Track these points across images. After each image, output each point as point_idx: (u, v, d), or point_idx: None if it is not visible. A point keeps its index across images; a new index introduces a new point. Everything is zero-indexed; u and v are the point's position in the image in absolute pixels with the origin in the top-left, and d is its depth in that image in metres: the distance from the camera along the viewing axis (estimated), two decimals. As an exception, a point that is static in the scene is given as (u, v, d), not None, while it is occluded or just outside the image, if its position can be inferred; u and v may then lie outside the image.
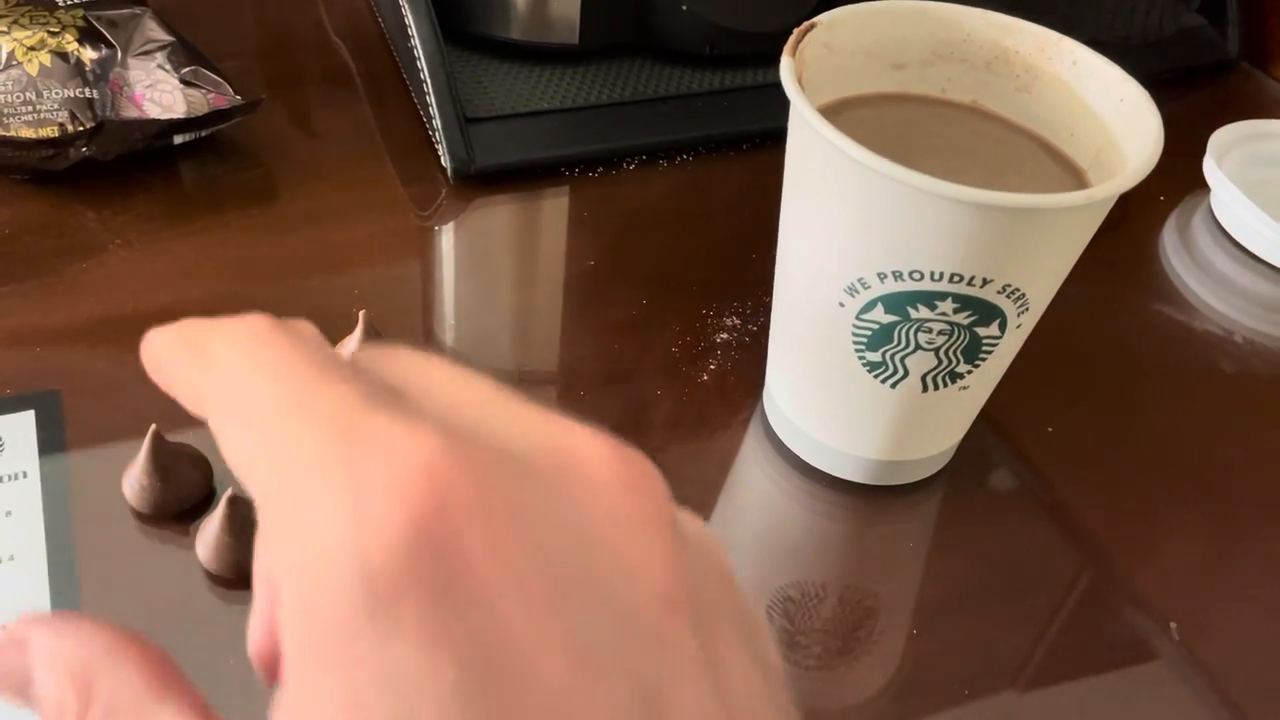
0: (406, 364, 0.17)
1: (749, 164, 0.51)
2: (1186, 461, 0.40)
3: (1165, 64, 0.58)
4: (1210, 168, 0.50)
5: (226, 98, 0.45)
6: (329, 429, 0.14)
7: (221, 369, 0.16)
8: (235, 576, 0.32)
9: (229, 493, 0.32)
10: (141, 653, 0.18)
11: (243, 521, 0.32)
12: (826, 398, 0.35)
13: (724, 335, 0.42)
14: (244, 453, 0.15)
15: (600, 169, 0.49)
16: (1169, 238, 0.50)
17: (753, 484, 0.38)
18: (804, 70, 0.32)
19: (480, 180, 0.47)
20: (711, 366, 0.41)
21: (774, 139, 0.52)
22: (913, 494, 0.37)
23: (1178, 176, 0.52)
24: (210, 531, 0.32)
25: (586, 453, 0.16)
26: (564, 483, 0.15)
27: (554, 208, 0.48)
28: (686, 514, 0.17)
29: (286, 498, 0.15)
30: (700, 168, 0.50)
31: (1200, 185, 0.51)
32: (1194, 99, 0.58)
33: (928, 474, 0.37)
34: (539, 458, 0.16)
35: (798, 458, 0.37)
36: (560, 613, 0.14)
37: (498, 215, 0.47)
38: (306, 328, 0.16)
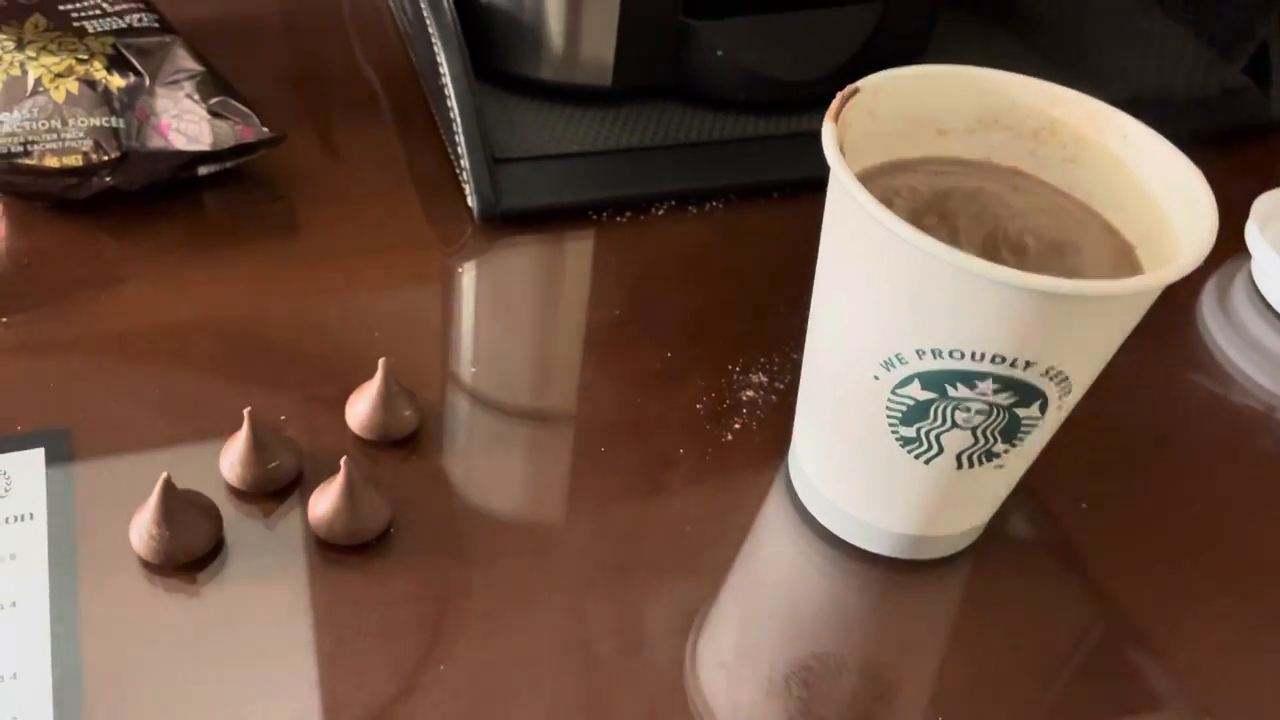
0: None
1: (779, 213, 0.50)
2: (1225, 542, 0.39)
3: (1207, 123, 0.57)
4: (1253, 234, 0.49)
5: (253, 130, 0.45)
6: None
7: None
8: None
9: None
10: None
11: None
12: (856, 469, 0.34)
13: (750, 393, 0.41)
14: None
15: (628, 213, 0.48)
16: (1207, 304, 0.49)
17: (774, 550, 0.37)
18: (845, 135, 0.31)
19: (506, 220, 0.46)
20: (736, 426, 0.40)
21: (805, 188, 0.51)
22: (940, 569, 0.36)
23: (1217, 240, 0.51)
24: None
25: None
26: None
27: (580, 251, 0.47)
28: None
29: None
30: (730, 215, 0.49)
31: (1240, 250, 0.50)
32: (1236, 160, 0.57)
33: (956, 550, 0.36)
34: None
35: (822, 526, 0.36)
36: None
37: (523, 257, 0.46)
38: None
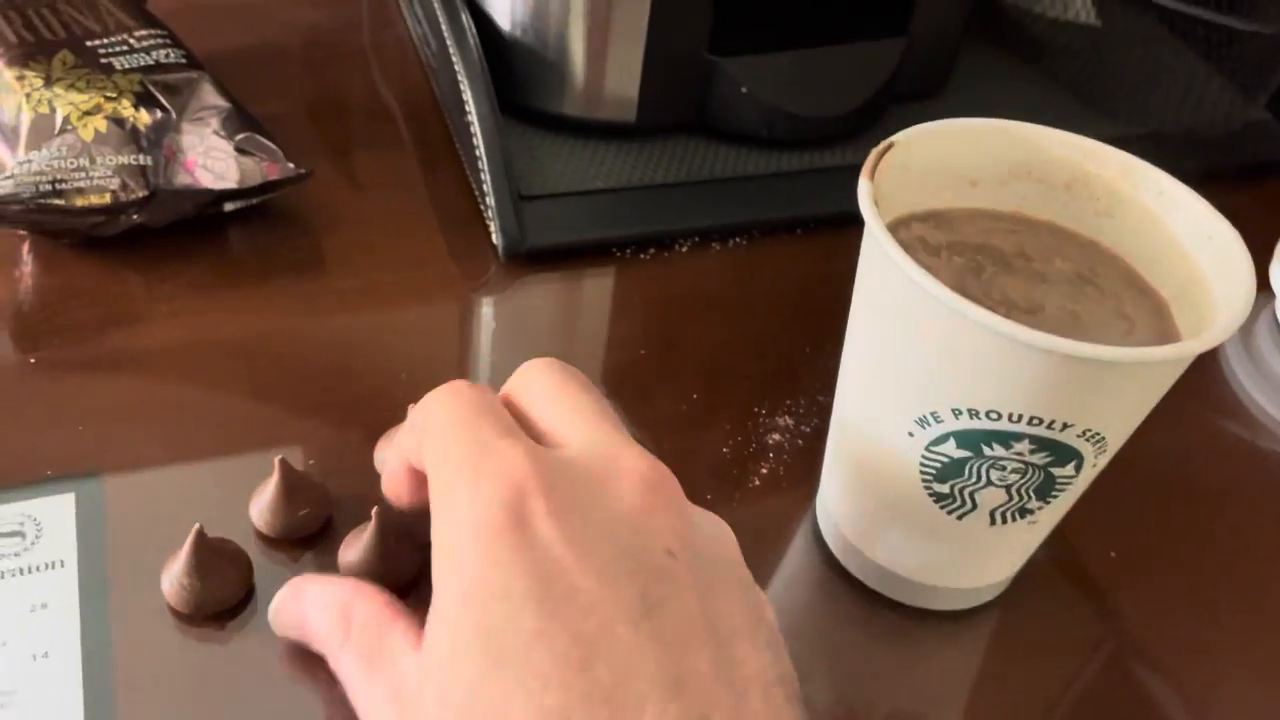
0: (542, 390, 0.29)
1: (803, 249, 0.50)
2: (1256, 590, 0.38)
3: (1230, 159, 0.56)
4: (1277, 274, 0.49)
5: (280, 166, 0.45)
6: (473, 445, 0.26)
7: (430, 410, 0.28)
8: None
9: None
10: (379, 591, 0.28)
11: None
12: (887, 522, 0.34)
13: (776, 436, 0.41)
14: (429, 450, 0.27)
15: (652, 250, 0.48)
16: (1230, 344, 0.49)
17: (801, 597, 0.37)
18: (878, 190, 0.31)
19: (530, 257, 0.46)
20: (763, 470, 0.39)
21: (830, 224, 0.51)
22: (968, 618, 0.36)
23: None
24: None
25: (627, 461, 0.26)
26: (607, 479, 0.25)
27: (604, 289, 0.47)
28: (703, 510, 0.28)
29: (444, 481, 0.26)
30: (753, 251, 0.49)
31: (1264, 289, 0.50)
32: (1259, 197, 0.56)
33: (984, 600, 0.36)
34: (595, 464, 0.26)
35: (849, 573, 0.36)
36: (593, 552, 0.24)
37: (546, 294, 0.46)
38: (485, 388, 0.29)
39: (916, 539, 0.33)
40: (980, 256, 0.32)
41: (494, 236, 0.46)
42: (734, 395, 0.42)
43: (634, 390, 0.43)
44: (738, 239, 0.49)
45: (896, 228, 0.32)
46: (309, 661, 0.32)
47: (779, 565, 0.37)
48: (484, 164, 0.45)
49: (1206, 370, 0.48)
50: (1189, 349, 0.27)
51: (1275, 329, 0.49)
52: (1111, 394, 0.28)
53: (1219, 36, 0.55)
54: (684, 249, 0.49)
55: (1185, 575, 0.39)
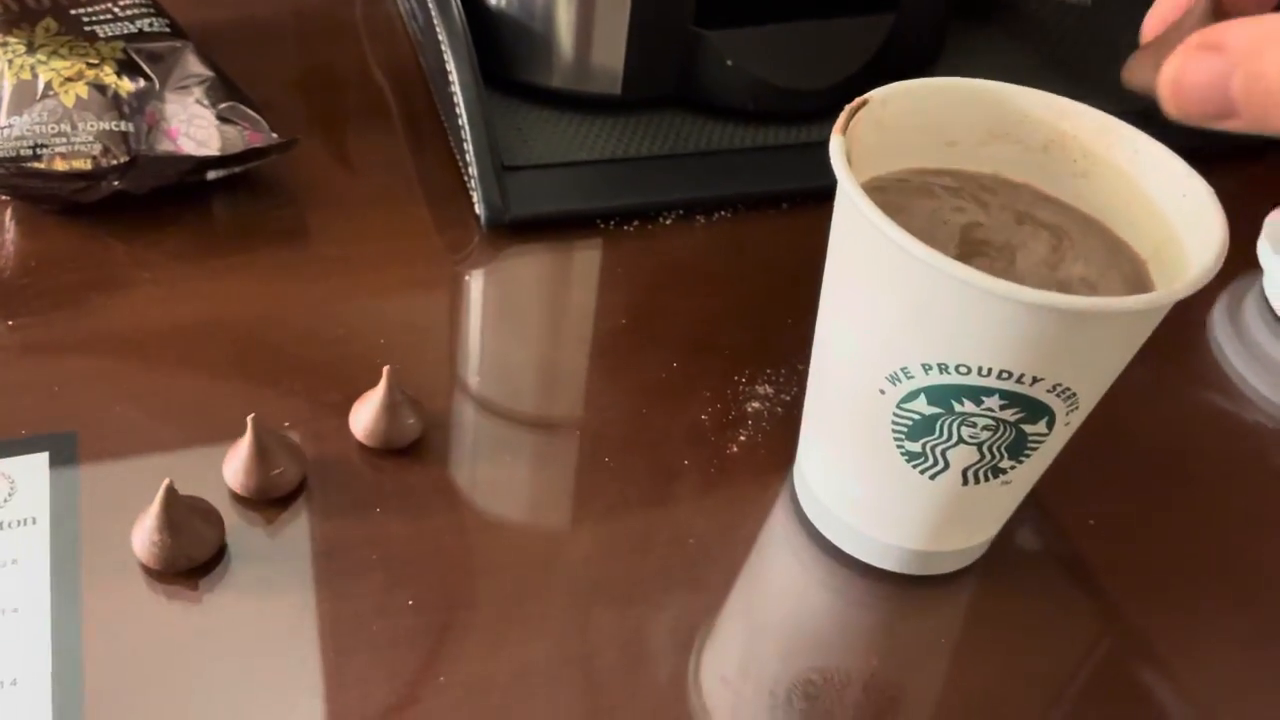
0: None
1: (787, 223, 0.50)
2: (1235, 560, 0.38)
3: (1218, 138, 0.56)
4: (1264, 250, 0.48)
5: (262, 135, 0.45)
6: None
7: None
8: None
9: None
10: None
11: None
12: (861, 484, 0.34)
13: (755, 404, 0.41)
14: None
15: (636, 222, 0.48)
16: (1219, 321, 0.49)
17: (778, 564, 0.36)
18: (853, 147, 0.31)
19: (513, 228, 0.46)
20: (741, 438, 0.39)
21: (814, 198, 0.51)
22: (946, 585, 0.36)
23: (1228, 257, 0.50)
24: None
25: None
26: None
27: (587, 260, 0.47)
28: None
29: None
30: (738, 225, 0.49)
31: (1252, 265, 0.49)
32: (1248, 176, 0.56)
33: (962, 565, 0.36)
34: None
35: (826, 539, 0.36)
36: None
37: (529, 265, 0.46)
38: None
39: (890, 501, 0.33)
40: (961, 217, 0.32)
41: (476, 206, 0.46)
42: (715, 364, 0.42)
43: (615, 359, 0.42)
44: (722, 212, 0.49)
45: (873, 190, 0.32)
46: (279, 620, 0.32)
47: (757, 532, 0.37)
48: (466, 133, 0.45)
49: (1194, 346, 0.47)
50: (1157, 299, 0.26)
51: (1263, 306, 0.49)
52: (1081, 348, 0.27)
53: (1209, 14, 0.54)
54: (668, 221, 0.48)
55: (1166, 544, 0.38)
